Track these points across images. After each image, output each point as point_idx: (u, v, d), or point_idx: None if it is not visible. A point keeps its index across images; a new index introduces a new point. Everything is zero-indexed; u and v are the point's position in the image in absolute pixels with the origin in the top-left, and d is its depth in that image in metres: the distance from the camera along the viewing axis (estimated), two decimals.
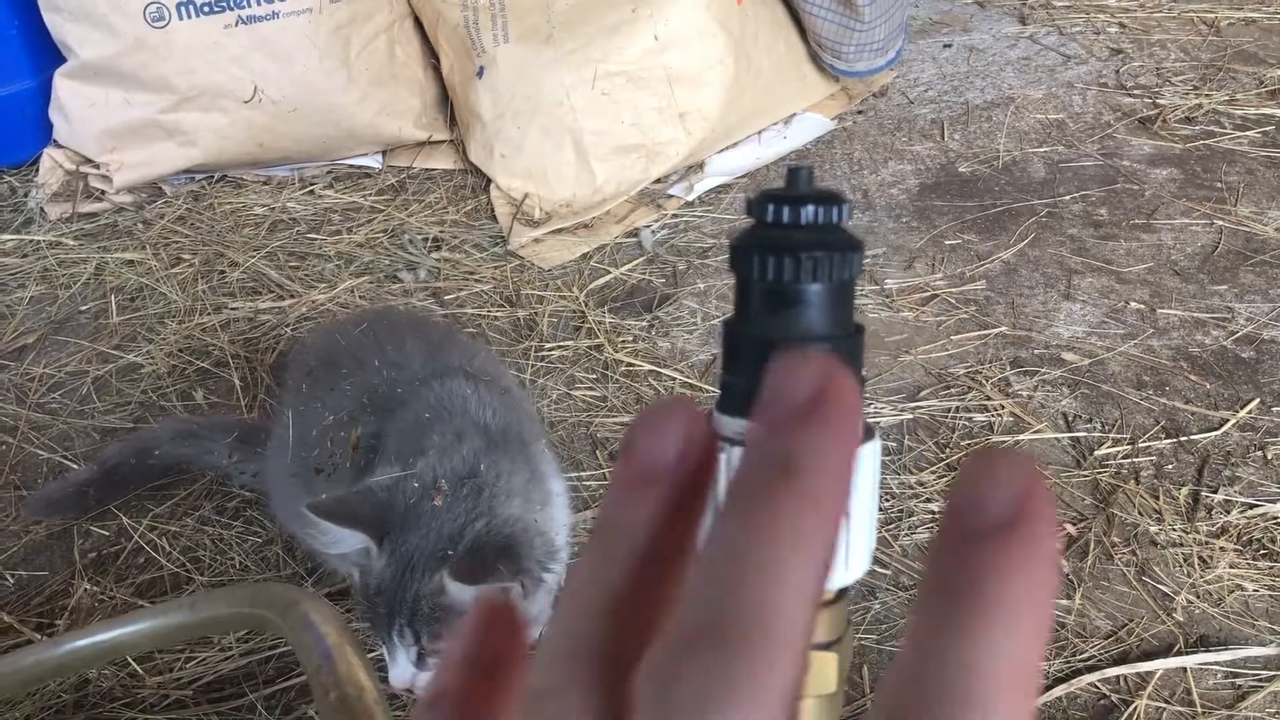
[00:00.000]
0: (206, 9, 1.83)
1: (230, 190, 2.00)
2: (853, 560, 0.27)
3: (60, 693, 1.09)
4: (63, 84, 1.91)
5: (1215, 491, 1.25)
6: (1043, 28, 2.49)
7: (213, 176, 2.02)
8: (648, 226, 1.82)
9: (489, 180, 1.93)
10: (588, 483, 1.31)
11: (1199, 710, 1.02)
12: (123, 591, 1.20)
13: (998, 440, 1.34)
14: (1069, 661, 1.08)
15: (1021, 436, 1.34)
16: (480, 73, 1.89)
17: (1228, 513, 1.22)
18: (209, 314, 1.64)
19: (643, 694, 0.17)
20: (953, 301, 1.61)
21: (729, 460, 0.25)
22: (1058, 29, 2.47)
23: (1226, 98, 2.12)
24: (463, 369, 1.06)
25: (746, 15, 1.94)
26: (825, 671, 0.25)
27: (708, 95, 1.89)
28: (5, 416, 1.47)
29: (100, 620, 1.12)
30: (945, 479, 1.29)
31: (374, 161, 2.06)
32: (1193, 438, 1.34)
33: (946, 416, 1.39)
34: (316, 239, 1.83)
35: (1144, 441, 1.33)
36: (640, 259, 1.75)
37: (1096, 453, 1.32)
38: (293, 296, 1.67)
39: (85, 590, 1.20)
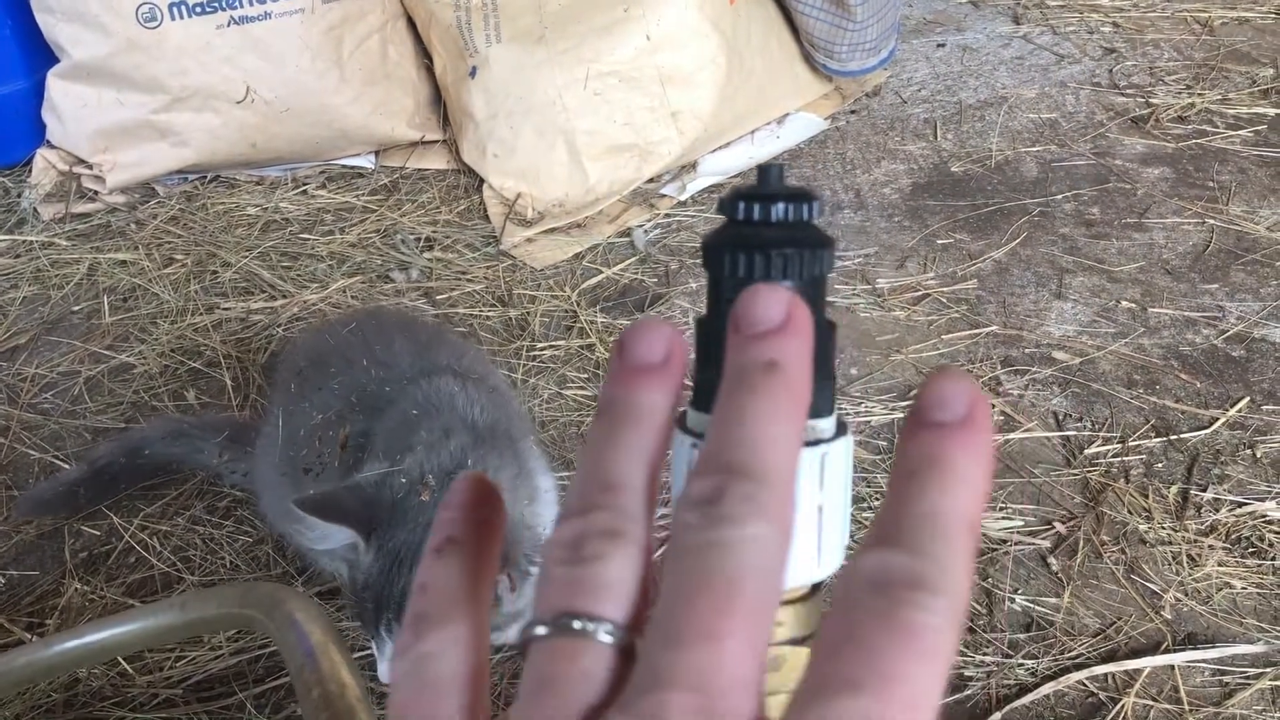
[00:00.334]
0: (199, 9, 1.83)
1: (223, 191, 2.00)
2: (826, 555, 0.27)
3: (50, 692, 1.09)
4: (55, 84, 1.91)
5: (1204, 490, 1.26)
6: (1036, 27, 2.49)
7: (205, 177, 2.02)
8: (640, 226, 1.82)
9: (482, 180, 1.93)
10: None
11: (1186, 708, 1.03)
12: (113, 591, 1.20)
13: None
14: (1057, 659, 1.08)
15: (1012, 435, 1.35)
16: (473, 73, 1.89)
17: (1217, 511, 1.23)
18: (201, 314, 1.64)
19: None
20: (944, 300, 1.61)
21: (693, 458, 0.26)
22: (1051, 28, 2.48)
23: (1219, 97, 2.12)
24: (450, 367, 1.06)
25: (739, 15, 1.94)
26: (799, 666, 0.25)
27: (700, 95, 1.89)
28: None
29: (90, 620, 1.12)
30: None
31: (367, 162, 2.06)
32: (1182, 436, 1.34)
33: None
34: (309, 239, 1.83)
35: (1134, 440, 1.34)
36: (633, 259, 1.75)
37: (1086, 451, 1.32)
38: (285, 296, 1.68)
39: (76, 590, 1.20)
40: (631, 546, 0.24)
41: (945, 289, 1.63)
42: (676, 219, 1.85)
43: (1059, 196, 1.86)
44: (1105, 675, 1.06)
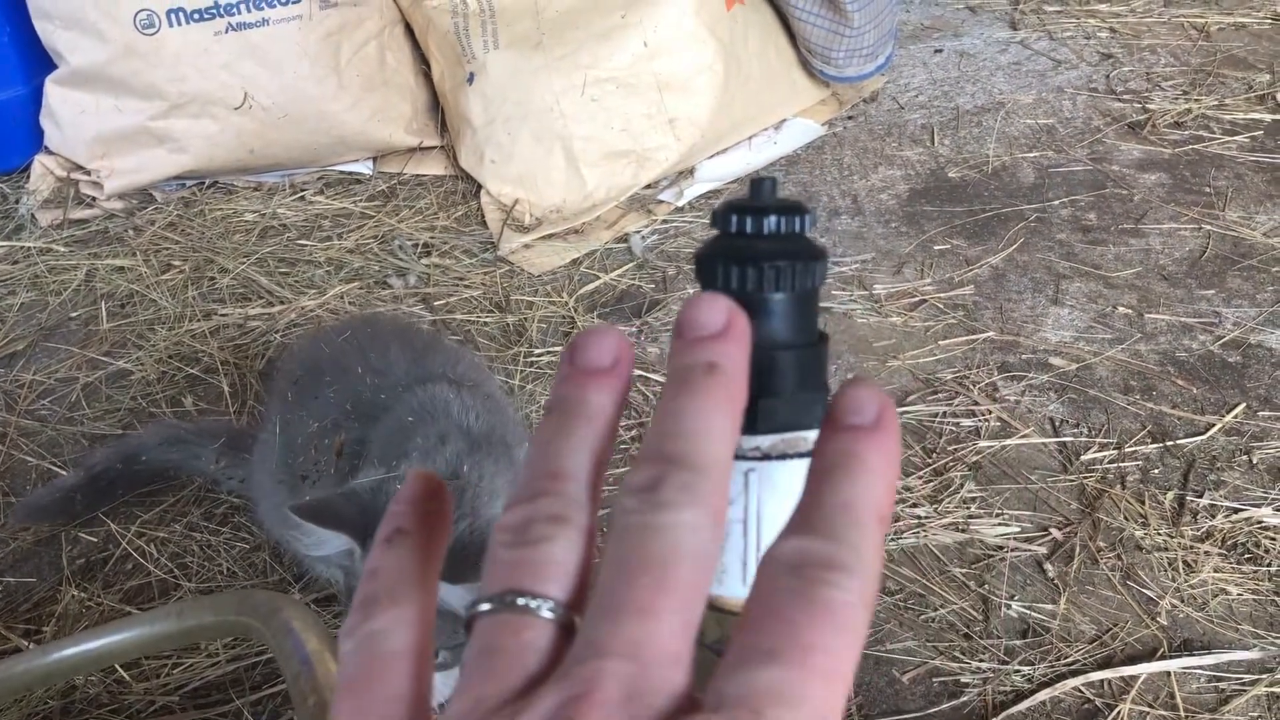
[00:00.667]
0: (197, 16, 1.83)
1: (221, 197, 2.00)
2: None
3: (47, 699, 1.09)
4: (54, 90, 1.91)
5: (1200, 496, 1.26)
6: (1033, 33, 2.49)
7: (203, 183, 2.03)
8: (638, 232, 1.82)
9: (479, 186, 1.93)
10: None
11: (1183, 714, 1.03)
12: (110, 598, 1.20)
13: (985, 445, 1.34)
14: (1053, 666, 1.08)
15: (1008, 441, 1.35)
16: (470, 79, 1.89)
17: (1213, 517, 1.23)
18: (199, 320, 1.64)
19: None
20: (941, 306, 1.61)
21: None
22: (1048, 34, 2.48)
23: (1216, 103, 2.13)
24: (445, 374, 1.06)
25: (736, 21, 1.94)
26: None
27: (697, 101, 1.89)
28: None
29: (87, 629, 1.12)
30: (932, 484, 1.29)
31: (364, 168, 2.07)
32: (1179, 442, 1.34)
33: (934, 421, 1.39)
34: (307, 245, 1.83)
35: (1130, 446, 1.34)
36: (630, 264, 1.75)
37: (1083, 457, 1.32)
38: (282, 303, 1.68)
39: (73, 597, 1.20)
40: (574, 531, 0.25)
41: (942, 295, 1.64)
42: (674, 225, 1.86)
43: (1056, 202, 1.86)
44: (1101, 682, 1.06)
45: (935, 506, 1.26)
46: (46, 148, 1.99)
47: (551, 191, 1.87)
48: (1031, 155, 2.01)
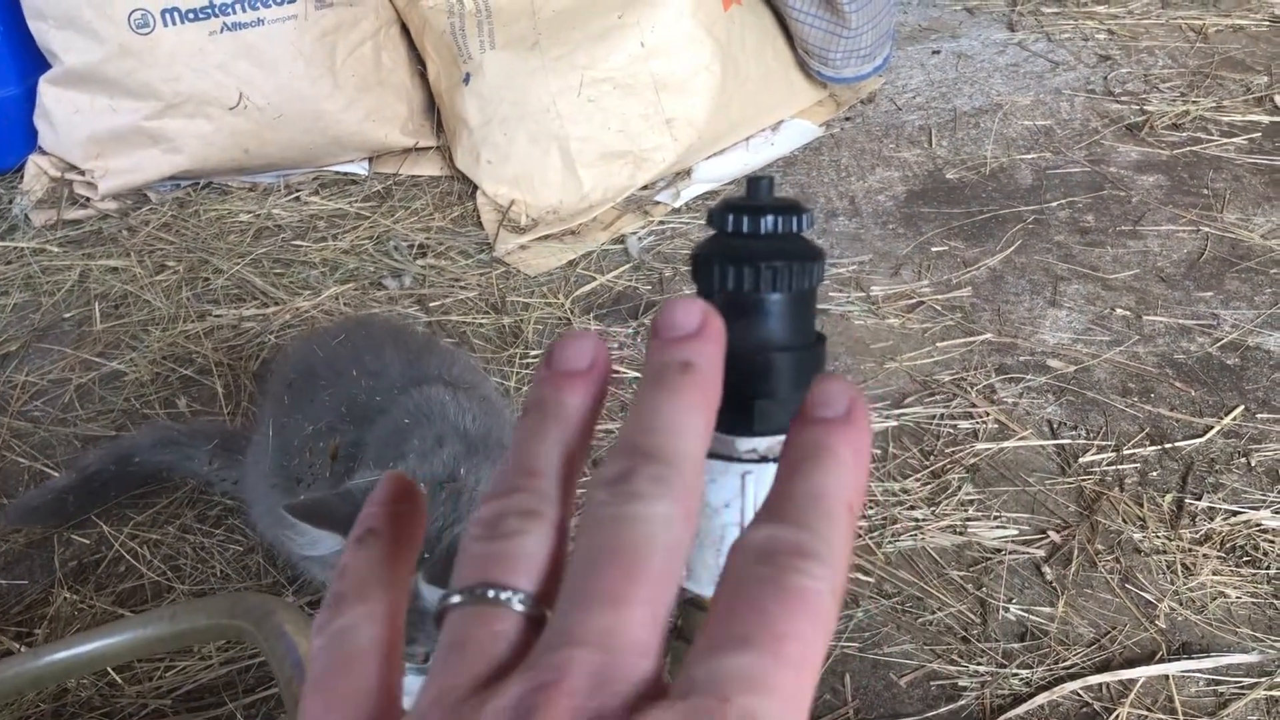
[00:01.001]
0: (191, 16, 1.83)
1: (216, 197, 1.99)
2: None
3: (39, 702, 1.08)
4: (48, 90, 1.90)
5: (1199, 499, 1.25)
6: (1031, 34, 2.49)
7: (198, 183, 2.02)
8: (634, 233, 1.82)
9: (475, 187, 1.92)
10: None
11: (1181, 718, 1.02)
12: (103, 600, 1.19)
13: (982, 447, 1.34)
14: (1052, 669, 1.07)
15: (1006, 443, 1.34)
16: (466, 79, 1.89)
17: (1211, 520, 1.22)
18: (193, 321, 1.64)
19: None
20: (939, 308, 1.61)
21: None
22: (1046, 35, 2.48)
23: (1214, 104, 2.12)
24: (441, 376, 1.06)
25: (733, 22, 1.94)
26: None
27: (695, 102, 1.89)
28: None
29: (80, 631, 1.11)
30: (930, 486, 1.29)
31: (360, 168, 2.06)
32: (1177, 445, 1.34)
33: (931, 423, 1.38)
34: (302, 246, 1.82)
35: (1128, 448, 1.33)
36: (626, 266, 1.74)
37: (1081, 460, 1.32)
38: (277, 304, 1.67)
39: (65, 599, 1.19)
40: (546, 525, 0.25)
41: (940, 296, 1.63)
42: (671, 226, 1.85)
43: (1054, 204, 1.86)
44: (1100, 685, 1.06)
45: (933, 509, 1.25)
46: (40, 148, 1.98)
47: (548, 192, 1.86)
48: (1029, 157, 2.01)
